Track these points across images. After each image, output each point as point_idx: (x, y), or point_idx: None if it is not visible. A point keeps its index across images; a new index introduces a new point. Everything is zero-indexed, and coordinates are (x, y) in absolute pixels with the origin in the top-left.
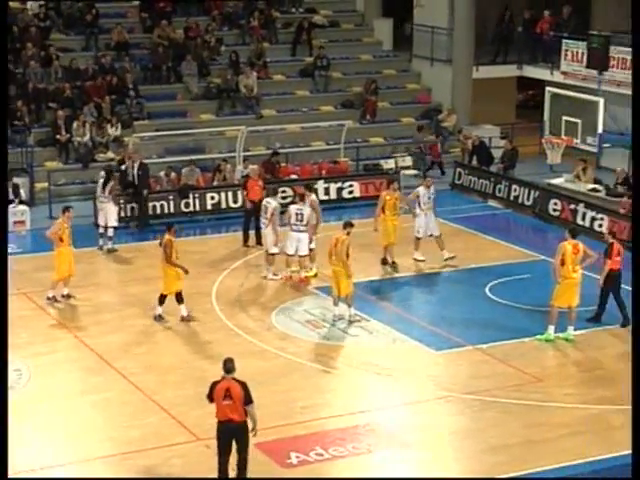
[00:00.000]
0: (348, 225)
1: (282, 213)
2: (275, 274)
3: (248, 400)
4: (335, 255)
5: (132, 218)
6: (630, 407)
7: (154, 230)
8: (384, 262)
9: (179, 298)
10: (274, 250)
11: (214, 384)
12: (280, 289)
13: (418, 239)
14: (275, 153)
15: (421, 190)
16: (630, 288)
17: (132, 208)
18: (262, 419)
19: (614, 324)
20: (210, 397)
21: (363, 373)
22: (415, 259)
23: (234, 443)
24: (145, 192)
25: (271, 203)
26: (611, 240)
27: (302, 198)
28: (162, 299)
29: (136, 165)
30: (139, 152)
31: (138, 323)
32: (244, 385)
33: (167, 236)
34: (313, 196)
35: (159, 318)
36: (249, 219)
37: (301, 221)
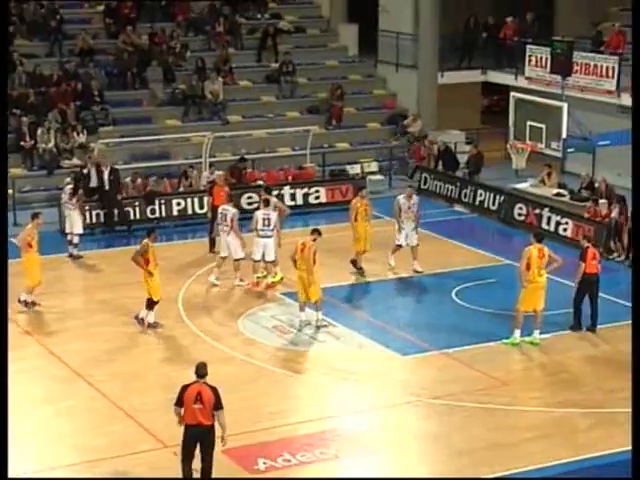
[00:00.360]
0: (315, 232)
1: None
2: (242, 280)
3: (218, 406)
4: (302, 260)
5: (98, 224)
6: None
7: (120, 236)
8: (353, 262)
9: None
10: (240, 255)
11: (184, 387)
12: (247, 295)
13: (398, 246)
14: (242, 159)
15: (401, 199)
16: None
17: (97, 215)
18: (229, 425)
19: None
20: (179, 401)
21: (330, 378)
22: (388, 261)
23: (199, 447)
24: (119, 197)
25: (229, 210)
26: (586, 244)
27: (267, 203)
28: (153, 304)
29: (107, 171)
30: (104, 158)
31: (104, 330)
32: (215, 390)
33: (145, 240)
34: (274, 198)
35: (140, 321)
36: (215, 225)
37: (268, 226)
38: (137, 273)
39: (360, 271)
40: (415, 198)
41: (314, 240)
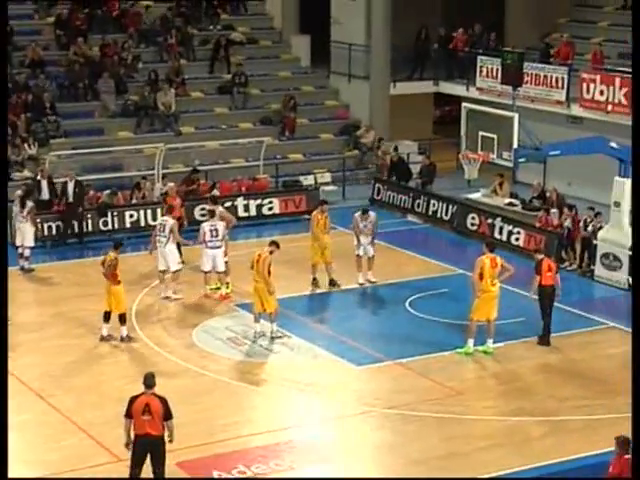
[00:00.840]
0: (273, 244)
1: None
2: (175, 292)
3: (168, 416)
4: (257, 271)
5: (50, 237)
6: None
7: (73, 249)
8: (331, 282)
9: (107, 317)
10: (177, 267)
11: (133, 399)
12: (200, 307)
13: (358, 256)
14: (195, 170)
15: (358, 218)
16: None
17: (49, 227)
18: (184, 438)
19: (531, 336)
20: (128, 412)
21: (285, 389)
22: (369, 280)
23: (149, 457)
24: (80, 209)
25: (169, 221)
26: (540, 257)
27: (212, 214)
28: (122, 319)
29: (71, 184)
30: (70, 170)
31: (58, 344)
32: (164, 401)
33: (113, 254)
34: (220, 208)
35: (127, 339)
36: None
37: (216, 237)
38: (90, 286)
39: (314, 282)
40: (372, 216)
41: (271, 252)
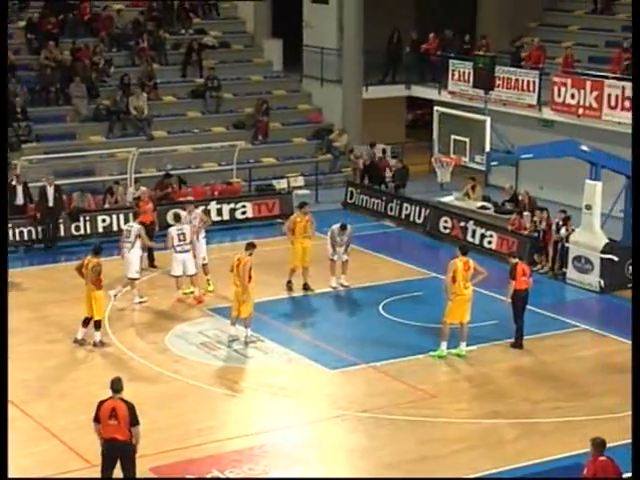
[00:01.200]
0: (250, 246)
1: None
2: (116, 296)
3: (134, 422)
4: (236, 276)
5: (22, 242)
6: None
7: (46, 254)
8: (305, 286)
9: (86, 322)
10: (134, 275)
11: (100, 403)
12: (173, 311)
13: (332, 260)
14: (167, 175)
15: (335, 231)
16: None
17: (21, 232)
18: (158, 442)
19: (504, 339)
20: (96, 416)
21: (259, 394)
22: (342, 284)
23: (119, 462)
24: (63, 213)
25: (134, 226)
26: (515, 261)
27: (178, 218)
28: (98, 324)
29: (51, 189)
30: (50, 175)
31: (26, 349)
32: (130, 406)
33: (95, 259)
34: (197, 210)
35: (100, 344)
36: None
37: (184, 240)
38: (63, 291)
39: (289, 285)
40: (349, 230)
41: (250, 255)
